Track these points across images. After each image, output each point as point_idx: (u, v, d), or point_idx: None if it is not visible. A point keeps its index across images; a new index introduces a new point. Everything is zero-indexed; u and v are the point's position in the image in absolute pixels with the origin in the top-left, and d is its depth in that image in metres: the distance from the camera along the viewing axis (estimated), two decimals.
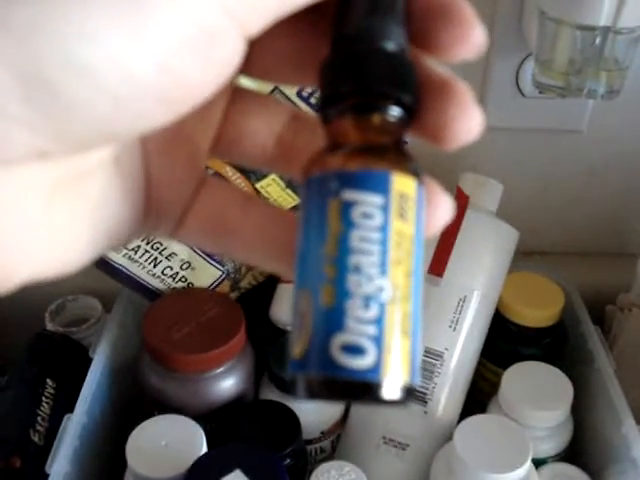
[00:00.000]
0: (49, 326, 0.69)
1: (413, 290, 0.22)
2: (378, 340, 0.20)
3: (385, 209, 0.21)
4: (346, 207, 0.21)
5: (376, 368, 0.20)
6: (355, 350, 0.20)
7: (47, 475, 0.52)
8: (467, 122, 0.22)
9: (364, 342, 0.20)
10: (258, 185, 0.56)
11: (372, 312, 0.20)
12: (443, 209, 0.23)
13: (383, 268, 0.21)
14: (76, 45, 0.18)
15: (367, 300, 0.21)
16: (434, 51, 0.23)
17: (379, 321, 0.20)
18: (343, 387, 0.20)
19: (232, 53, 0.21)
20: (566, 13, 0.54)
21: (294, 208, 0.57)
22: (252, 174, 0.56)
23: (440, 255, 0.61)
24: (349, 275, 0.21)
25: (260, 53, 0.24)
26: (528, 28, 0.61)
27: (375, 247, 0.21)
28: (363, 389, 0.20)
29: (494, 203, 0.64)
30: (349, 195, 0.21)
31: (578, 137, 0.70)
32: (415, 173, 0.22)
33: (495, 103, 0.67)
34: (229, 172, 0.55)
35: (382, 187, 0.21)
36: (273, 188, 0.56)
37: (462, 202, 0.61)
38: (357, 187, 0.21)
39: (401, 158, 0.22)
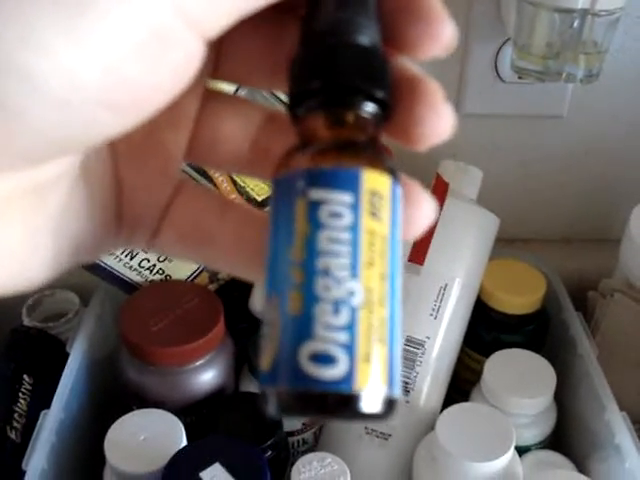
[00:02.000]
0: (26, 321, 0.68)
1: (389, 293, 0.20)
2: (350, 348, 0.19)
3: (355, 208, 0.20)
4: (313, 207, 0.20)
5: (348, 378, 0.19)
6: (325, 359, 0.19)
7: (24, 472, 0.51)
8: (438, 122, 0.21)
9: (334, 350, 0.19)
10: (234, 175, 0.56)
11: (343, 318, 0.19)
12: (425, 209, 0.23)
13: (354, 271, 0.20)
14: (18, 50, 0.17)
15: (337, 305, 0.19)
16: (403, 49, 0.22)
17: (350, 327, 0.19)
18: (314, 400, 0.19)
19: (188, 56, 0.20)
20: None
21: (268, 199, 0.57)
22: None
23: (420, 243, 0.60)
24: (317, 279, 0.19)
25: (227, 56, 0.23)
26: (506, 12, 0.60)
27: (345, 248, 0.20)
28: (336, 402, 0.19)
29: (474, 190, 0.64)
30: (316, 194, 0.20)
31: (558, 122, 0.69)
32: (390, 171, 0.21)
33: (474, 89, 0.66)
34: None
35: (351, 184, 0.20)
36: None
37: (442, 189, 0.61)
38: (324, 185, 0.20)
39: (374, 155, 0.21)
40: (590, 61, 0.54)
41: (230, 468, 0.48)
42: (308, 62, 0.21)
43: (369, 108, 0.21)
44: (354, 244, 0.20)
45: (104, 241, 0.24)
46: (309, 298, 0.19)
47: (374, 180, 0.20)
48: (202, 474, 0.47)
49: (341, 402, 0.19)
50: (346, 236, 0.20)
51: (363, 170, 0.20)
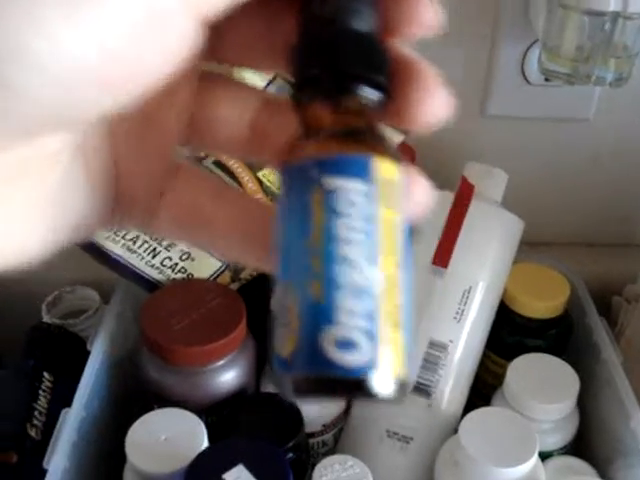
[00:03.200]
0: (46, 318, 0.68)
1: (403, 280, 0.21)
2: (371, 333, 0.19)
3: (371, 196, 0.20)
4: (329, 195, 0.20)
5: (370, 363, 0.19)
6: (348, 345, 0.19)
7: (45, 471, 0.51)
8: (432, 104, 0.22)
9: (357, 336, 0.19)
10: (259, 174, 0.55)
11: (364, 304, 0.20)
12: (422, 194, 0.23)
13: (373, 258, 0.20)
14: (20, 31, 0.18)
15: (358, 292, 0.20)
16: (389, 31, 0.22)
17: (371, 314, 0.20)
18: (337, 384, 0.19)
19: (184, 37, 0.20)
20: None
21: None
22: (253, 163, 0.55)
23: (444, 246, 0.60)
24: (337, 267, 0.20)
25: (226, 38, 0.23)
26: (535, 14, 0.59)
27: (363, 236, 0.20)
28: (357, 385, 0.19)
29: (499, 193, 0.63)
30: (332, 182, 0.20)
31: (584, 125, 0.69)
32: (397, 158, 0.21)
33: (500, 91, 0.66)
34: (229, 160, 0.54)
35: (365, 172, 0.20)
36: (274, 176, 0.56)
37: (467, 192, 0.60)
38: (339, 173, 0.20)
39: (381, 142, 0.22)
40: (620, 65, 0.53)
41: (253, 470, 0.48)
42: (310, 49, 0.22)
43: (374, 95, 0.21)
44: (372, 232, 0.20)
45: (101, 219, 0.25)
46: (329, 285, 0.20)
47: (385, 167, 0.21)
48: (225, 475, 0.47)
49: (362, 385, 0.19)
50: (364, 224, 0.20)
51: (374, 158, 0.21)
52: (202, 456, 0.49)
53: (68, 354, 0.63)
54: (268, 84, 0.55)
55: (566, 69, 0.55)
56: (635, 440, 0.55)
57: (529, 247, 0.67)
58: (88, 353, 0.59)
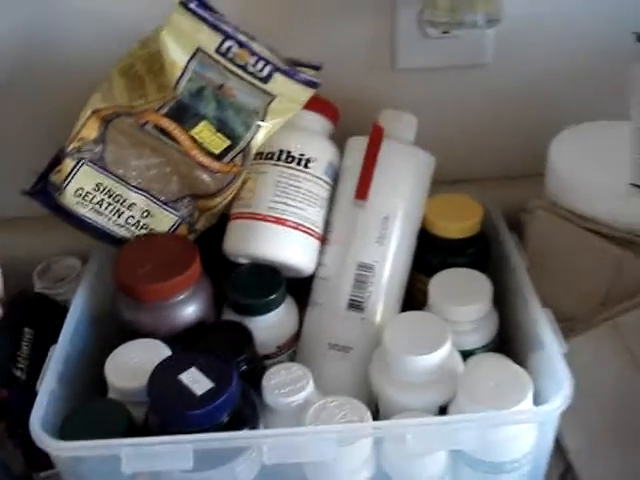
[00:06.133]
0: (37, 285, 0.79)
1: None
2: None
3: None
4: None
5: None
6: None
7: (34, 400, 0.59)
8: None
9: None
10: (192, 132, 0.65)
11: None
12: None
13: None
14: None
15: None
16: None
17: None
18: None
19: None
20: None
21: (225, 151, 0.66)
22: (186, 123, 0.65)
23: (363, 182, 0.70)
24: None
25: None
26: None
27: None
28: None
29: (411, 134, 0.73)
30: None
31: (485, 70, 0.78)
32: None
33: (404, 46, 0.76)
34: (166, 123, 0.65)
35: None
36: (205, 134, 0.65)
37: (378, 134, 0.70)
38: None
39: None
40: (487, 7, 0.62)
41: (204, 371, 0.58)
42: None
43: None
44: None
45: None
46: None
47: None
48: (180, 376, 0.57)
49: None
50: None
51: None
52: (162, 364, 0.59)
53: (48, 315, 0.72)
54: (190, 59, 0.65)
55: (444, 18, 0.64)
56: (536, 329, 0.64)
57: (447, 185, 0.76)
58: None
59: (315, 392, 0.63)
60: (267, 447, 0.55)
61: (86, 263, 0.76)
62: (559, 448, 0.66)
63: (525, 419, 0.57)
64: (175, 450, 0.55)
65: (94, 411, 0.60)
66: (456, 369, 0.64)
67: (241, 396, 0.58)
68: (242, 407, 0.58)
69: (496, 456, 0.60)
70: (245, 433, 0.56)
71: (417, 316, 0.66)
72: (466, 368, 0.63)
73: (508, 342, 0.71)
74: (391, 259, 0.70)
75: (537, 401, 0.59)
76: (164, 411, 0.57)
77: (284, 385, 0.62)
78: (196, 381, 0.57)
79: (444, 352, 0.62)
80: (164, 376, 0.58)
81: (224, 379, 0.57)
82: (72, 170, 0.67)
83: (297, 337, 0.72)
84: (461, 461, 0.60)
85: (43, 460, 0.60)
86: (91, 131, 0.67)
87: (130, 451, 0.55)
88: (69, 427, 0.58)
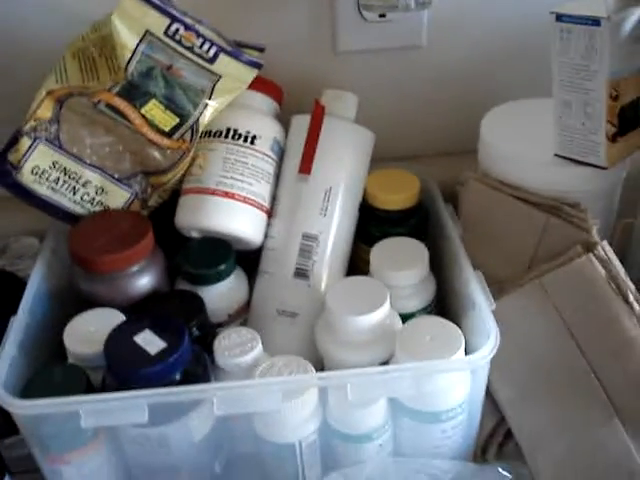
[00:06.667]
0: None
1: None
2: None
3: None
4: None
5: None
6: None
7: None
8: None
9: None
10: (142, 110, 0.69)
11: None
12: None
13: None
14: None
15: None
16: None
17: None
18: None
19: None
20: None
21: (174, 128, 0.70)
22: (137, 101, 0.69)
23: (306, 157, 0.74)
24: None
25: None
26: None
27: None
28: None
29: (351, 112, 0.78)
30: None
31: (420, 51, 0.83)
32: None
33: (344, 30, 0.80)
34: (117, 102, 0.68)
35: None
36: (155, 111, 0.69)
37: (319, 112, 0.75)
38: None
39: None
40: None
41: (158, 333, 0.61)
42: None
43: None
44: None
45: None
46: None
47: None
48: (135, 338, 0.61)
49: None
50: None
51: None
52: (118, 327, 0.63)
53: (8, 288, 0.75)
54: (139, 42, 0.68)
55: (378, 2, 0.69)
56: (468, 290, 0.69)
57: (386, 162, 0.81)
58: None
59: (264, 354, 0.67)
60: (217, 399, 0.59)
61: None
62: (493, 402, 0.71)
63: (456, 367, 0.62)
64: (130, 405, 0.58)
65: (54, 374, 0.64)
66: (395, 329, 0.68)
67: (193, 357, 0.62)
68: (194, 366, 0.62)
69: (433, 406, 0.64)
70: (196, 387, 0.60)
71: (358, 280, 0.71)
72: (404, 327, 0.68)
73: (445, 305, 0.76)
74: (334, 230, 0.74)
75: None
76: (120, 370, 0.60)
77: (234, 347, 0.66)
78: (150, 342, 0.61)
79: (383, 312, 0.66)
80: (120, 338, 0.62)
81: (176, 339, 0.61)
82: (29, 149, 0.70)
83: (248, 306, 0.76)
84: (400, 412, 0.65)
85: (7, 427, 0.63)
86: (46, 111, 0.70)
87: (88, 407, 0.58)
88: (31, 389, 0.62)
